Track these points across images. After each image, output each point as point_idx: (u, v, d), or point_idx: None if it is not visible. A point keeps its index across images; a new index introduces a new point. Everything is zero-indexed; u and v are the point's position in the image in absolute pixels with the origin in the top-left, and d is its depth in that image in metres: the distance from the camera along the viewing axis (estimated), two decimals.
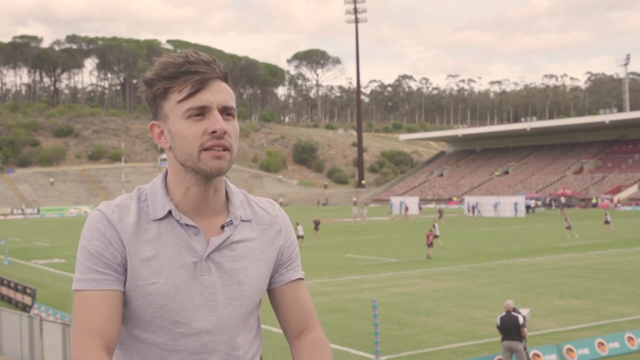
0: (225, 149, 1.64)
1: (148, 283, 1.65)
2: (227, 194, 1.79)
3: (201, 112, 1.62)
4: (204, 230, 1.71)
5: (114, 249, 1.64)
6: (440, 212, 51.99)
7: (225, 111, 1.65)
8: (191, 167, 1.65)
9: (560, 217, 49.66)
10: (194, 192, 1.70)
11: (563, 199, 67.91)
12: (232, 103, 1.67)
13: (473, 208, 57.87)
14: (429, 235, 27.82)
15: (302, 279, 1.88)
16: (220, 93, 1.65)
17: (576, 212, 59.62)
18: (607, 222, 36.71)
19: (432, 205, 78.54)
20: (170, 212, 1.69)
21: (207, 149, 1.62)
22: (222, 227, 1.73)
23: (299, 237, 33.81)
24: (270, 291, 1.85)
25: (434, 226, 31.62)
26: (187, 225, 1.69)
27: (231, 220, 1.74)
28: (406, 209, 60.81)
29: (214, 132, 1.61)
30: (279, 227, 1.84)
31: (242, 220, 1.77)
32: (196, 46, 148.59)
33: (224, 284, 1.70)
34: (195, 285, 1.67)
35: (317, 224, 38.50)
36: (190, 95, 1.62)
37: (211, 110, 1.63)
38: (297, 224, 34.50)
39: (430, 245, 27.66)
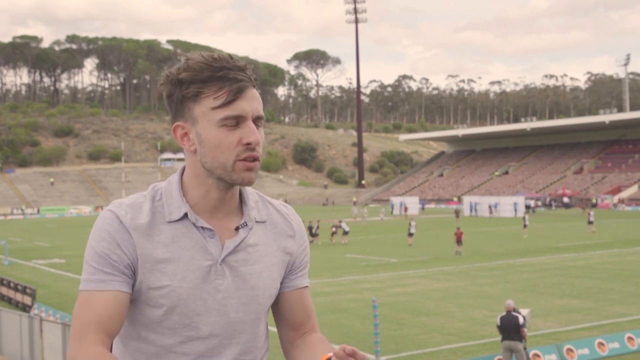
0: (256, 159, 1.62)
1: (161, 285, 1.62)
2: (241, 195, 1.77)
3: (236, 121, 1.60)
4: (218, 232, 1.68)
5: (121, 252, 1.61)
6: (457, 212, 52.06)
7: (257, 121, 1.63)
8: (220, 175, 1.63)
9: (583, 215, 49.43)
10: (213, 196, 1.68)
11: (566, 199, 67.86)
12: (262, 112, 1.65)
13: (490, 207, 57.53)
14: (458, 233, 28.23)
15: (308, 286, 1.87)
16: (254, 102, 1.62)
17: (576, 212, 59.61)
18: (590, 222, 36.93)
19: (432, 206, 78.57)
20: (186, 214, 1.66)
21: (241, 160, 1.60)
22: (237, 229, 1.71)
23: (345, 232, 34.15)
24: (277, 295, 1.83)
25: (410, 224, 32.79)
26: (202, 228, 1.66)
27: (245, 222, 1.72)
28: (405, 209, 60.82)
29: (248, 143, 1.59)
30: (293, 232, 1.81)
31: (256, 222, 1.75)
32: (196, 46, 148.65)
33: (237, 288, 1.68)
34: (208, 289, 1.65)
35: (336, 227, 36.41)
36: (228, 103, 1.59)
37: (246, 120, 1.60)
38: (340, 220, 35.67)
39: (459, 242, 28.09)
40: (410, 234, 32.55)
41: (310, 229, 34.09)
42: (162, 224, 1.65)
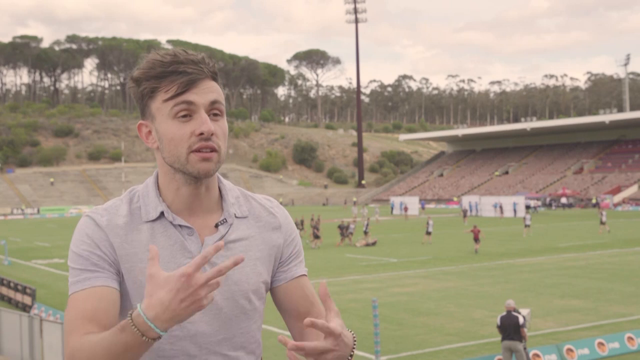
0: (213, 150, 1.60)
1: (142, 286, 1.61)
2: (220, 192, 1.76)
3: (188, 112, 1.59)
4: (198, 230, 1.68)
5: (101, 252, 1.61)
6: (465, 212, 52.22)
7: (212, 111, 1.62)
8: (179, 168, 1.62)
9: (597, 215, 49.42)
10: (184, 191, 1.67)
11: (564, 199, 67.74)
12: (220, 102, 1.64)
13: (501, 207, 57.19)
14: (475, 231, 28.69)
15: (305, 275, 1.85)
16: (207, 93, 1.61)
17: (576, 212, 59.62)
18: (602, 223, 36.96)
19: (432, 206, 78.55)
20: (162, 213, 1.66)
21: (195, 151, 1.59)
22: (216, 225, 1.70)
23: (427, 233, 33.13)
24: (274, 289, 1.81)
25: (428, 223, 33.09)
26: (180, 226, 1.66)
27: (225, 219, 1.71)
28: (405, 209, 60.86)
29: (201, 133, 1.58)
30: (277, 224, 1.80)
31: (237, 217, 1.73)
32: (196, 46, 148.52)
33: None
34: None
35: (343, 229, 34.17)
36: (177, 95, 1.59)
37: (198, 110, 1.59)
38: (429, 218, 34.58)
39: (477, 240, 28.57)
40: (428, 233, 32.98)
41: (345, 228, 33.91)
42: (140, 224, 1.66)
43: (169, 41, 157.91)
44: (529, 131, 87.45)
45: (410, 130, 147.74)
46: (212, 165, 1.61)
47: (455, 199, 79.94)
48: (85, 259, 1.60)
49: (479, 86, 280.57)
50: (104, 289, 1.58)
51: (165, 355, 1.64)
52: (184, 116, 1.59)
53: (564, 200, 67.58)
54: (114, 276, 1.61)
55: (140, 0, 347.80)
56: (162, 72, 1.60)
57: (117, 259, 1.62)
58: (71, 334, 1.52)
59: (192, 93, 1.59)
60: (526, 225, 36.44)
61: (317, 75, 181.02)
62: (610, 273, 22.22)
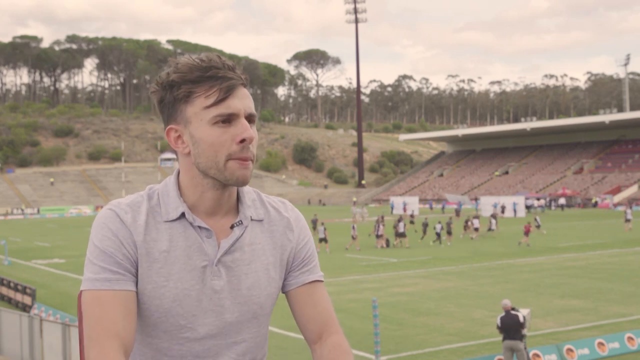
0: (250, 157, 1.61)
1: (157, 286, 1.61)
2: (238, 194, 1.75)
3: (228, 119, 1.58)
4: (215, 232, 1.67)
5: (126, 250, 1.59)
6: (457, 211, 52.36)
7: (249, 118, 1.62)
8: (214, 175, 1.61)
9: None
10: (209, 196, 1.66)
11: (562, 200, 67.72)
12: (254, 110, 1.65)
13: (503, 208, 56.92)
14: (526, 226, 31.26)
15: (319, 280, 1.81)
16: (246, 100, 1.62)
17: (576, 212, 59.60)
18: (627, 220, 37.48)
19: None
20: (183, 213, 1.65)
21: (234, 158, 1.58)
22: (232, 227, 1.69)
23: (492, 227, 35.96)
24: (286, 294, 1.80)
25: (490, 222, 36.04)
26: (200, 227, 1.65)
27: (241, 220, 1.70)
28: (405, 209, 60.92)
29: (243, 140, 1.58)
30: (291, 227, 1.79)
31: (252, 220, 1.72)
32: (196, 46, 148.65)
33: (233, 289, 1.67)
34: (205, 290, 1.63)
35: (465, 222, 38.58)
36: (219, 101, 1.58)
37: (239, 117, 1.59)
38: (493, 216, 37.94)
39: (526, 234, 31.04)
40: (538, 227, 36.13)
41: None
42: (159, 223, 1.64)
43: (169, 41, 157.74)
44: (529, 131, 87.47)
45: (410, 130, 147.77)
46: (249, 173, 1.61)
47: (448, 198, 79.89)
48: (109, 257, 1.58)
49: (479, 86, 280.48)
50: (127, 293, 1.57)
51: (173, 355, 1.65)
52: (224, 122, 1.58)
53: (561, 201, 67.51)
54: (133, 278, 1.60)
55: (140, 0, 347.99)
56: (200, 77, 1.58)
57: (138, 258, 1.61)
58: (93, 348, 1.51)
59: (233, 99, 1.59)
60: (538, 226, 37.49)
61: (317, 75, 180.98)
62: (610, 273, 22.23)
